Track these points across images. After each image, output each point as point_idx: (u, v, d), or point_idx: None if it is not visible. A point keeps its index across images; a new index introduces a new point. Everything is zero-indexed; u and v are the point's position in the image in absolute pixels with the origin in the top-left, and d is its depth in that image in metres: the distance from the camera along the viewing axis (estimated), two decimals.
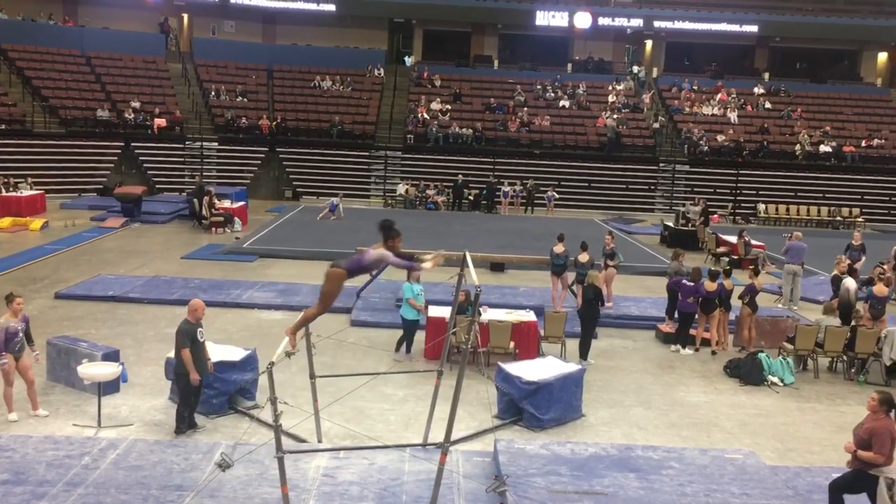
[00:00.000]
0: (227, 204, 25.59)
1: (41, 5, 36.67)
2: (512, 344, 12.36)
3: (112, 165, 31.46)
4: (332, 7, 39.21)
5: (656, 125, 36.69)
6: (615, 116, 36.33)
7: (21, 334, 9.54)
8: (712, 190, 33.32)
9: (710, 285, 13.80)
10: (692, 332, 14.05)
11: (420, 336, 12.91)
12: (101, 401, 9.56)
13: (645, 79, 41.00)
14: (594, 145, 34.80)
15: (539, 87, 38.63)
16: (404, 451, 8.53)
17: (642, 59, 42.37)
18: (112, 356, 10.59)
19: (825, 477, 8.47)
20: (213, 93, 35.52)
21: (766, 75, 41.74)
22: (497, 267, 19.56)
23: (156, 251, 20.73)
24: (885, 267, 16.71)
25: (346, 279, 6.89)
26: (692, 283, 13.83)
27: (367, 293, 15.92)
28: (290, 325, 7.10)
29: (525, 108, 36.53)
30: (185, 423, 9.37)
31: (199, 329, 9.43)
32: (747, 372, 12.39)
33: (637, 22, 40.79)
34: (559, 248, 15.69)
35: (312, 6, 39.26)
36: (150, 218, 25.38)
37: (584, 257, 15.50)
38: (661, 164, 34.44)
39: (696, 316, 14.03)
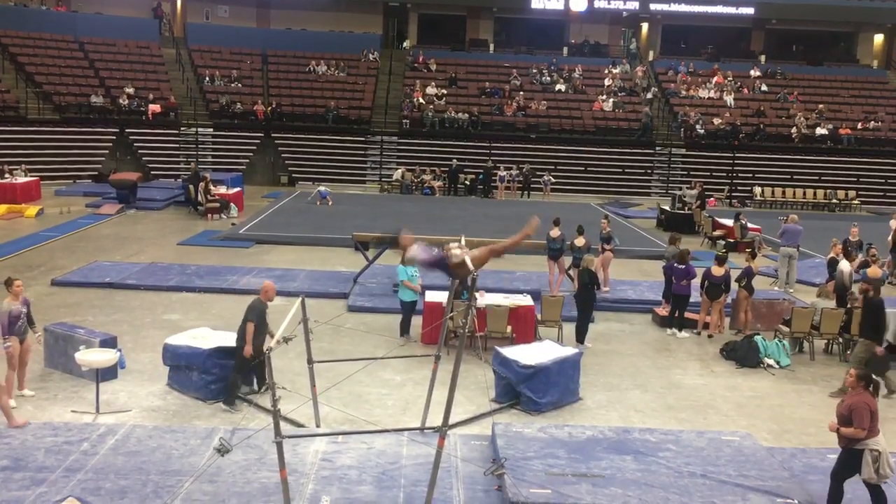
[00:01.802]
0: (222, 190, 25.53)
1: None
2: (509, 328, 12.39)
3: (107, 152, 31.32)
4: None
5: (648, 95, 36.76)
6: (612, 100, 36.29)
7: (23, 317, 9.60)
8: (708, 173, 33.24)
9: (717, 270, 13.81)
10: (695, 316, 14.09)
11: (417, 321, 12.92)
12: (99, 387, 9.58)
13: (636, 52, 40.97)
14: (590, 129, 34.72)
15: (535, 70, 38.49)
16: (402, 435, 8.57)
17: (639, 43, 42.26)
18: (110, 342, 10.60)
19: (821, 458, 8.56)
20: (207, 78, 35.34)
21: (763, 58, 41.62)
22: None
23: (152, 237, 20.69)
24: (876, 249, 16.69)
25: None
26: (683, 266, 13.86)
27: (364, 278, 15.93)
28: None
29: (521, 93, 36.40)
30: (234, 395, 9.82)
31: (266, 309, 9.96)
32: (743, 354, 12.44)
33: (633, 5, 40.52)
34: (555, 233, 15.69)
35: None
36: (145, 204, 25.31)
37: (580, 241, 15.51)
38: (657, 148, 34.38)
39: (700, 299, 14.04)
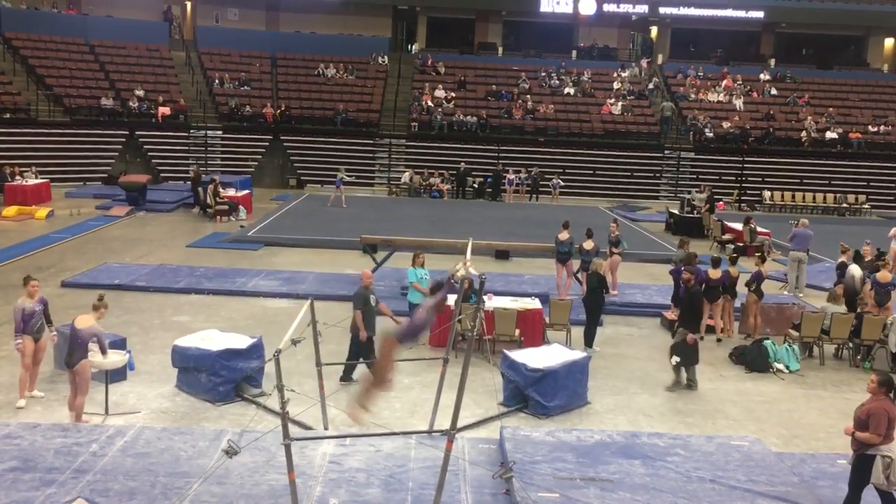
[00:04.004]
0: (231, 192, 25.61)
1: None
2: (517, 331, 12.37)
3: (117, 154, 31.46)
4: None
5: (650, 86, 37.05)
6: (621, 104, 36.28)
7: (38, 315, 9.70)
8: (717, 177, 33.16)
9: (713, 273, 13.79)
10: None
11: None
12: (108, 388, 9.61)
13: (644, 47, 41.21)
14: (599, 133, 34.68)
15: (543, 74, 38.47)
16: (410, 437, 8.56)
17: (653, 49, 42.29)
18: (119, 344, 10.65)
19: (830, 463, 8.51)
20: (216, 81, 35.47)
21: (772, 61, 41.50)
22: (502, 255, 19.54)
23: (161, 239, 20.77)
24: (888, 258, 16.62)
25: (397, 349, 7.25)
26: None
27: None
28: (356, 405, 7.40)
29: (529, 96, 36.41)
30: (349, 374, 10.72)
31: (372, 295, 10.91)
32: (753, 359, 12.40)
33: (642, 8, 40.49)
34: (564, 236, 15.67)
35: None
36: (154, 206, 25.41)
37: (589, 245, 15.49)
38: (666, 152, 34.32)
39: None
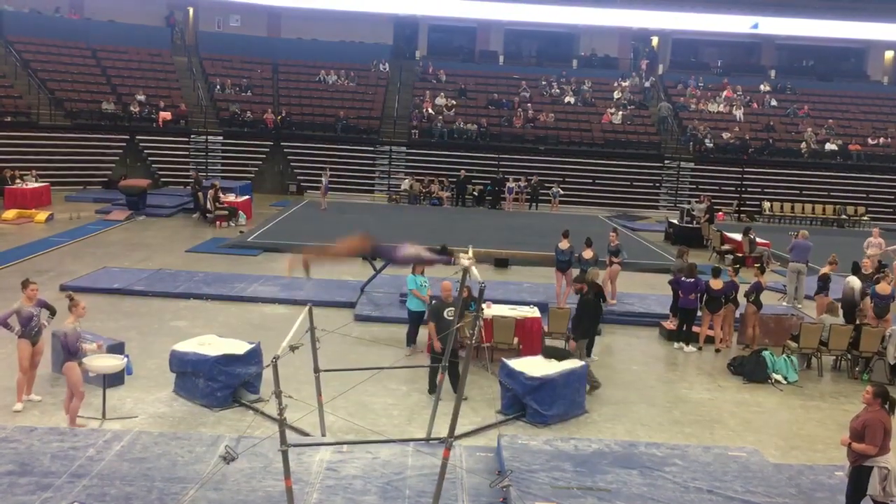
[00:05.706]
0: (231, 198, 25.62)
1: None
2: (516, 340, 12.37)
3: (117, 158, 31.49)
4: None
5: (647, 84, 37.48)
6: (621, 113, 36.35)
7: (36, 319, 9.67)
8: (717, 187, 33.16)
9: (715, 283, 13.78)
10: (696, 329, 14.04)
11: (424, 331, 12.88)
12: (105, 393, 9.59)
13: (644, 52, 41.59)
14: (599, 142, 34.72)
15: (544, 82, 38.55)
16: (408, 445, 8.56)
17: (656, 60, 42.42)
18: (117, 348, 10.64)
19: (828, 475, 8.50)
20: (218, 86, 35.53)
21: (773, 73, 41.60)
22: (501, 263, 19.54)
23: (160, 244, 20.77)
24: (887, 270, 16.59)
25: (367, 252, 7.25)
26: (691, 280, 13.83)
27: (370, 288, 15.93)
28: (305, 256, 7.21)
29: (530, 104, 36.47)
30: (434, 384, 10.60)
31: (448, 308, 10.70)
32: (751, 370, 12.39)
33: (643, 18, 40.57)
34: (564, 245, 15.67)
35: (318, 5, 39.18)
36: (154, 211, 25.41)
37: (588, 253, 15.50)
38: (665, 161, 34.36)
39: (700, 313, 14.02)
